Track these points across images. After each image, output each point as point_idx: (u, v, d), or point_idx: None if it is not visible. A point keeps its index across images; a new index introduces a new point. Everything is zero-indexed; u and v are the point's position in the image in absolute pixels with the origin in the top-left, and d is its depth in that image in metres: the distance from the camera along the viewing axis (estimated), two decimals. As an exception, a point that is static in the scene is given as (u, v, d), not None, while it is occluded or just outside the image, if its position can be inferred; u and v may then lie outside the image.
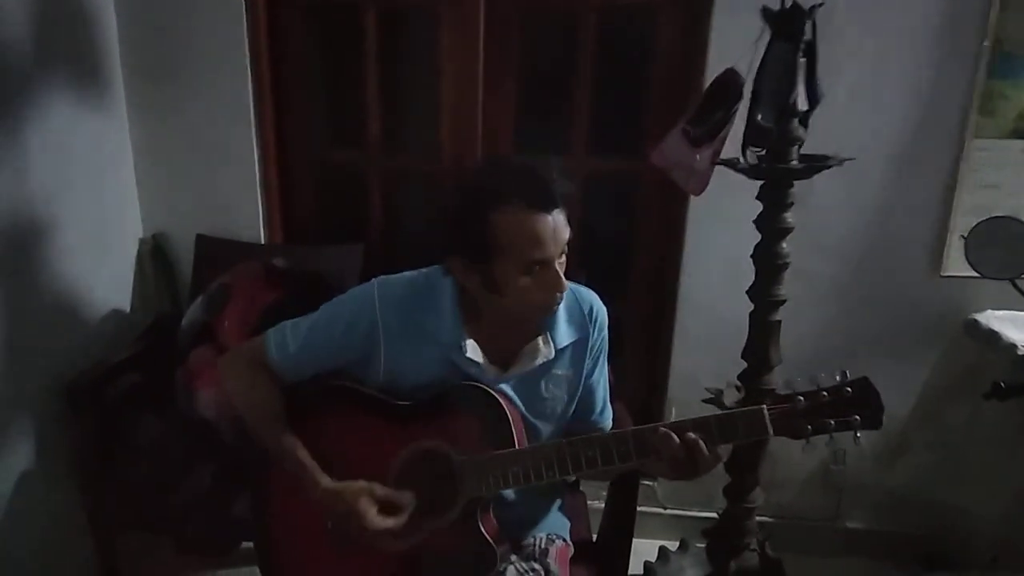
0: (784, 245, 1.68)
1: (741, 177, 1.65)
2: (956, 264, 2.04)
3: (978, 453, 2.16)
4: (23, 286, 1.87)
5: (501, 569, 1.31)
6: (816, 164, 1.62)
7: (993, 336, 1.98)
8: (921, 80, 1.99)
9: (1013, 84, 1.96)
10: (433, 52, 2.22)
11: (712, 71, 1.80)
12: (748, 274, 1.73)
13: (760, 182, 1.67)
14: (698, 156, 1.63)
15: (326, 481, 1.26)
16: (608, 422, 1.49)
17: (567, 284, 1.24)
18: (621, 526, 1.62)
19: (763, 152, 1.62)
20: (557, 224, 1.19)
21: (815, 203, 1.97)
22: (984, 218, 1.74)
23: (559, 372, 1.37)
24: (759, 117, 1.53)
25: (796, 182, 1.65)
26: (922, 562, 2.26)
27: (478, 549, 1.27)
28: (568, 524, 1.54)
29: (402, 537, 1.25)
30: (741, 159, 1.64)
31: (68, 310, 2.03)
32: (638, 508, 1.63)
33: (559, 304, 1.28)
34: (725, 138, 1.65)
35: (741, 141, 1.61)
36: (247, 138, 2.22)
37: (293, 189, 2.38)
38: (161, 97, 2.22)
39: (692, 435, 1.16)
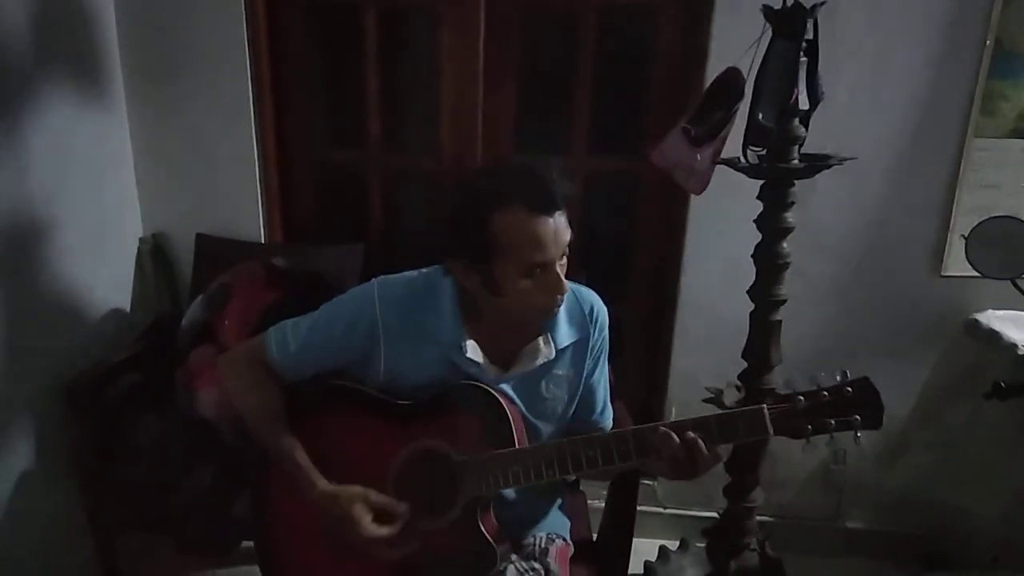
0: (785, 245, 1.68)
1: (742, 177, 1.65)
2: (956, 264, 2.04)
3: (978, 453, 2.16)
4: (23, 286, 1.87)
5: (501, 568, 1.31)
6: (817, 163, 1.62)
7: (994, 336, 1.98)
8: (922, 79, 1.99)
9: (1013, 84, 1.96)
10: (433, 52, 2.22)
11: (713, 71, 1.80)
12: (748, 274, 1.73)
13: (761, 181, 1.66)
14: (699, 155, 1.63)
15: (322, 484, 1.26)
16: (608, 422, 1.49)
17: (568, 285, 1.24)
18: (621, 525, 1.62)
19: (764, 151, 1.62)
20: (558, 226, 1.19)
21: (816, 203, 1.97)
22: (984, 218, 1.74)
23: (560, 372, 1.36)
24: (760, 116, 1.53)
25: (797, 182, 1.65)
26: (922, 562, 2.26)
27: (478, 548, 1.27)
28: (568, 523, 1.54)
29: (395, 546, 1.24)
30: (742, 158, 1.64)
31: (68, 310, 2.03)
32: (638, 507, 1.63)
33: (560, 306, 1.28)
34: (726, 137, 1.65)
35: (742, 140, 1.61)
36: (247, 138, 2.22)
37: (293, 189, 2.38)
38: (161, 97, 2.22)
39: (692, 434, 1.16)
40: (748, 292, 1.74)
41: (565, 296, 1.27)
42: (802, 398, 1.16)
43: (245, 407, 1.34)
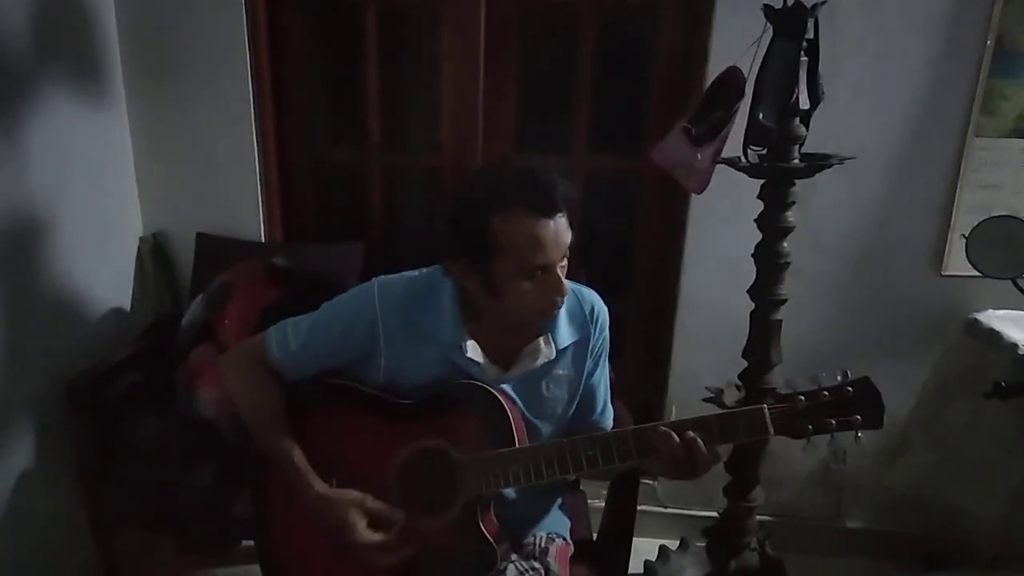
0: (785, 244, 1.68)
1: (742, 176, 1.65)
2: (957, 263, 2.04)
3: (978, 453, 2.16)
4: (23, 286, 1.87)
5: (501, 568, 1.31)
6: (817, 163, 1.62)
7: (994, 335, 1.98)
8: (922, 79, 1.99)
9: (1014, 83, 1.96)
10: (433, 52, 2.22)
11: (713, 70, 1.80)
12: (749, 273, 1.73)
13: (761, 181, 1.66)
14: (699, 155, 1.62)
15: (319, 486, 1.26)
16: (609, 422, 1.49)
17: (568, 287, 1.24)
18: (621, 525, 1.62)
19: (764, 151, 1.62)
20: (559, 229, 1.18)
21: (816, 202, 1.97)
22: (985, 217, 1.74)
23: (560, 372, 1.36)
24: (760, 116, 1.53)
25: (797, 181, 1.65)
26: (922, 562, 2.26)
27: (478, 548, 1.27)
28: (568, 523, 1.54)
29: (389, 552, 1.24)
30: (742, 158, 1.64)
31: (68, 310, 2.03)
32: (638, 507, 1.62)
33: (560, 308, 1.28)
34: (726, 137, 1.65)
35: (742, 140, 1.61)
36: (247, 137, 2.22)
37: (293, 188, 2.38)
38: (161, 96, 2.22)
39: (692, 434, 1.16)
40: (748, 291, 1.74)
41: (566, 297, 1.26)
42: (803, 398, 1.15)
43: (245, 407, 1.34)
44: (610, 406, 1.49)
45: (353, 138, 2.37)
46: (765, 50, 1.54)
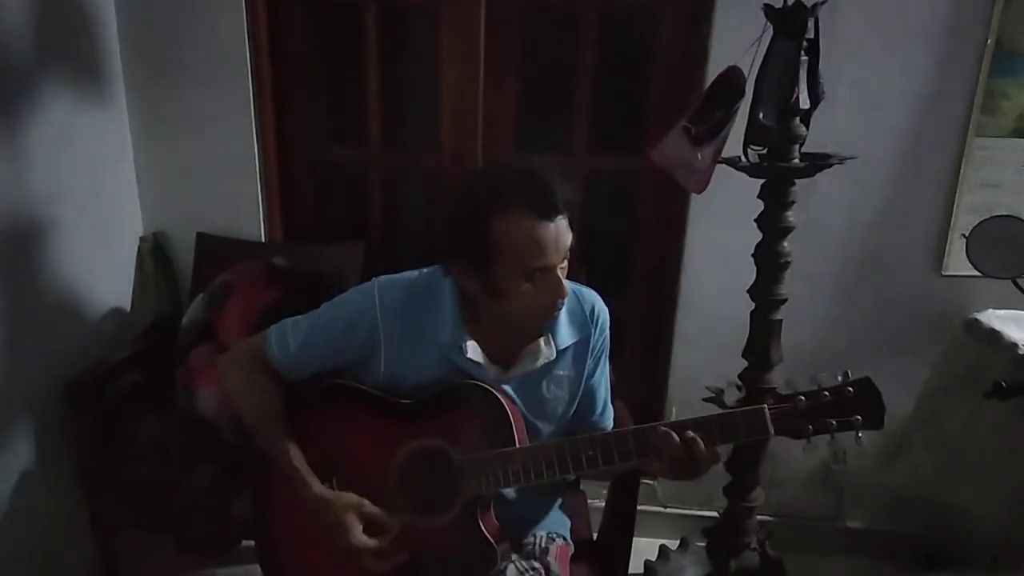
0: (785, 244, 1.68)
1: (742, 176, 1.65)
2: (957, 263, 2.04)
3: (978, 453, 2.16)
4: (23, 286, 1.87)
5: (501, 568, 1.31)
6: (817, 163, 1.61)
7: (994, 335, 1.98)
8: (923, 79, 1.99)
9: (1014, 83, 1.96)
10: (433, 52, 2.21)
11: (713, 70, 1.80)
12: (749, 273, 1.73)
13: (761, 180, 1.66)
14: (699, 154, 1.62)
15: (317, 487, 1.26)
16: (609, 422, 1.48)
17: (568, 288, 1.23)
18: (621, 525, 1.62)
19: (764, 150, 1.61)
20: (559, 231, 1.18)
21: (816, 202, 1.97)
22: (985, 217, 1.74)
23: (560, 373, 1.36)
24: (761, 115, 1.52)
25: (797, 181, 1.65)
26: (922, 562, 2.26)
27: (478, 548, 1.27)
28: (568, 523, 1.54)
29: (384, 557, 1.24)
30: (742, 157, 1.64)
31: (68, 310, 2.03)
32: (639, 507, 1.63)
33: (560, 309, 1.27)
34: (726, 136, 1.65)
35: (742, 139, 1.61)
36: (247, 136, 2.22)
37: (293, 187, 2.38)
38: (161, 95, 2.22)
39: (692, 434, 1.16)
40: (749, 291, 1.74)
41: (566, 298, 1.26)
42: (803, 398, 1.15)
43: (244, 407, 1.34)
44: (610, 406, 1.49)
45: (353, 138, 2.37)
46: (765, 50, 1.54)
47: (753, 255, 1.71)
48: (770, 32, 1.53)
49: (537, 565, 1.37)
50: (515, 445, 1.24)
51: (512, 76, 2.22)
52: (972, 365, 2.11)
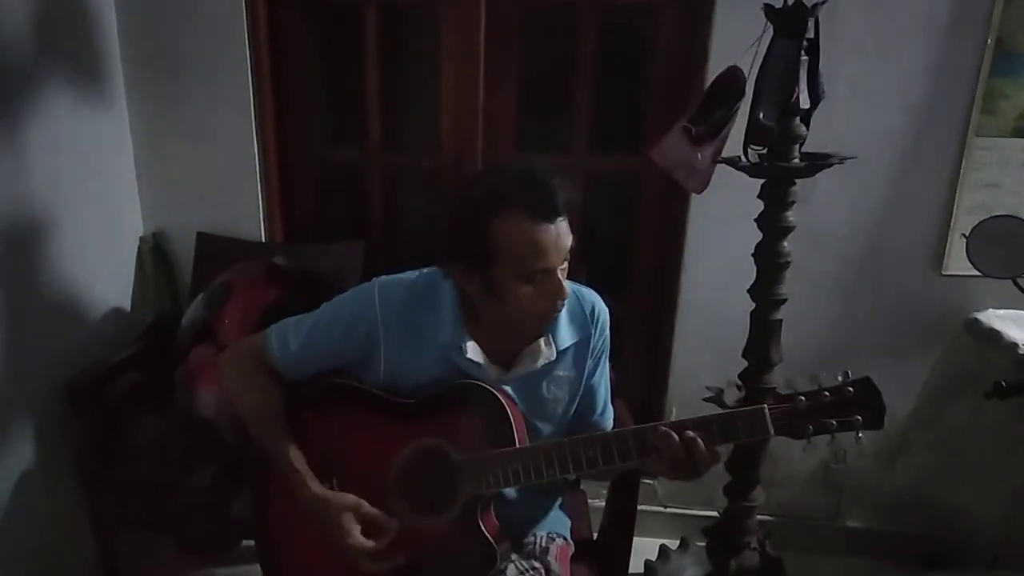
0: (785, 244, 1.68)
1: (742, 175, 1.65)
2: (957, 263, 2.04)
3: (978, 453, 2.16)
4: (23, 286, 1.87)
5: (501, 567, 1.31)
6: (818, 162, 1.61)
7: (994, 335, 1.98)
8: (923, 78, 1.99)
9: (1014, 83, 1.96)
10: (433, 52, 2.21)
11: (713, 70, 1.80)
12: (749, 273, 1.73)
13: (761, 180, 1.66)
14: (699, 154, 1.62)
15: (316, 488, 1.26)
16: (609, 422, 1.48)
17: (569, 290, 1.23)
18: (622, 525, 1.62)
19: (764, 150, 1.61)
20: (560, 233, 1.18)
21: (816, 202, 1.97)
22: (985, 217, 1.74)
23: (561, 373, 1.36)
24: (761, 115, 1.52)
25: (797, 180, 1.65)
26: (922, 562, 2.25)
27: (478, 547, 1.26)
28: (569, 522, 1.54)
29: (381, 559, 1.24)
30: (743, 157, 1.64)
31: (68, 310, 2.03)
32: (639, 507, 1.63)
33: (561, 311, 1.27)
34: (727, 136, 1.65)
35: (743, 139, 1.61)
36: (247, 136, 2.22)
37: (293, 187, 2.38)
38: (162, 95, 2.22)
39: (691, 433, 1.16)
40: (749, 291, 1.74)
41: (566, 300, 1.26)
42: (803, 398, 1.15)
43: (244, 406, 1.34)
44: (610, 406, 1.49)
45: (353, 138, 2.37)
46: (765, 50, 1.54)
47: (753, 255, 1.71)
48: (770, 32, 1.53)
49: (537, 565, 1.37)
50: (515, 445, 1.24)
51: (512, 76, 2.22)
52: (972, 365, 2.11)
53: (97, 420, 1.91)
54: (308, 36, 2.27)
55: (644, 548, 2.11)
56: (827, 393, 1.15)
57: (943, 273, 2.11)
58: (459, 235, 1.21)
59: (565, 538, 1.49)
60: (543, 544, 1.43)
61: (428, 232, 2.39)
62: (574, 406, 1.40)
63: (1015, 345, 1.89)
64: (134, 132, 2.25)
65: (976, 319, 2.06)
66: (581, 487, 1.85)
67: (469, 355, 1.28)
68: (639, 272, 2.34)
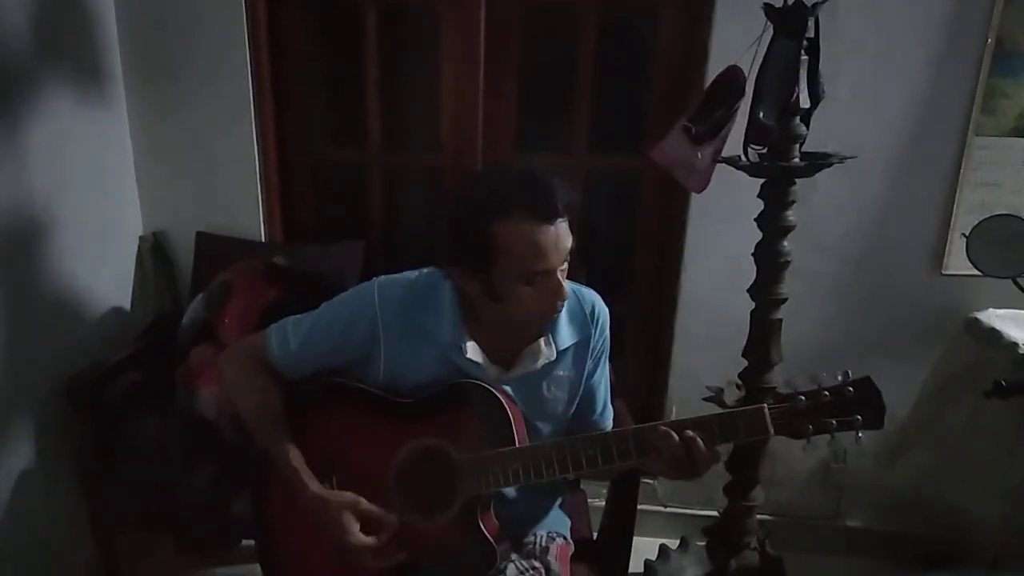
0: (785, 243, 1.68)
1: (742, 175, 1.65)
2: (957, 262, 2.04)
3: (978, 452, 2.16)
4: (23, 286, 1.87)
5: (501, 567, 1.31)
6: (818, 162, 1.62)
7: (994, 335, 1.97)
8: (923, 78, 1.99)
9: (1014, 82, 1.96)
10: (433, 52, 2.21)
11: (713, 69, 1.80)
12: (749, 272, 1.73)
13: (761, 180, 1.66)
14: (699, 154, 1.62)
15: (315, 487, 1.26)
16: (609, 422, 1.48)
17: (569, 290, 1.23)
18: (622, 524, 1.62)
19: (764, 150, 1.62)
20: (560, 234, 1.18)
21: (816, 201, 1.97)
22: (985, 216, 1.74)
23: (561, 373, 1.36)
24: (761, 115, 1.53)
25: (797, 180, 1.65)
26: (922, 562, 2.26)
27: (478, 547, 1.27)
28: (568, 522, 1.54)
29: (381, 556, 1.24)
30: (743, 157, 1.64)
31: (68, 309, 2.03)
32: (639, 506, 1.62)
33: (561, 312, 1.27)
34: (727, 136, 1.65)
35: (743, 139, 1.61)
36: (247, 136, 2.22)
37: (293, 187, 2.38)
38: (161, 95, 2.22)
39: (691, 433, 1.16)
40: (749, 291, 1.74)
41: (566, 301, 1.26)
42: (803, 398, 1.15)
43: (244, 406, 1.34)
44: (610, 406, 1.49)
45: (353, 138, 2.37)
46: (765, 49, 1.54)
47: (753, 254, 1.71)
48: (770, 32, 1.54)
49: (537, 564, 1.37)
50: (515, 445, 1.24)
51: (512, 76, 2.22)
52: (972, 364, 2.11)
53: (97, 420, 1.90)
54: (308, 36, 2.27)
55: (644, 548, 2.11)
56: (827, 393, 1.15)
57: (943, 272, 2.11)
58: (459, 236, 1.21)
59: (565, 538, 1.49)
60: (543, 544, 1.43)
61: (428, 232, 2.39)
62: (574, 406, 1.40)
63: (1015, 345, 1.89)
64: (134, 132, 2.25)
65: (976, 319, 2.06)
66: (581, 487, 1.85)
67: (469, 355, 1.28)
68: (639, 272, 2.34)
